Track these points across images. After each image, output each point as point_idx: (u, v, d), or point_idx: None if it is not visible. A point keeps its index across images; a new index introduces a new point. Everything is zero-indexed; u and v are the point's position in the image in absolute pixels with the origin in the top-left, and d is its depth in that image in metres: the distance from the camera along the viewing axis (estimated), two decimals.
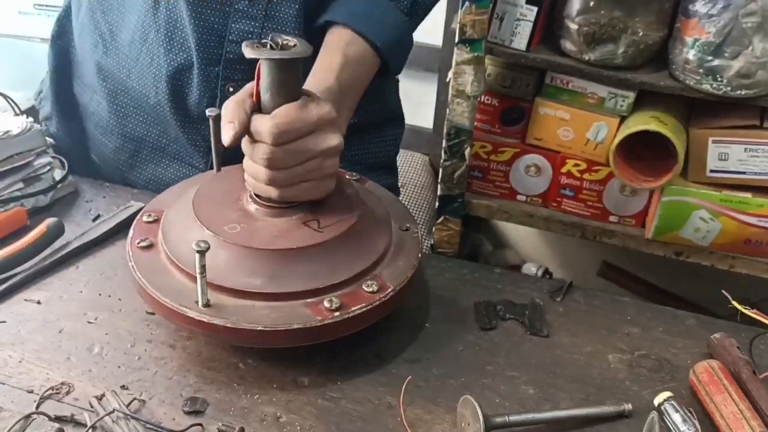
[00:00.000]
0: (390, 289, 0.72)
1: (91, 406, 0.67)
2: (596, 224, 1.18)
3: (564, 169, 1.16)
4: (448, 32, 1.98)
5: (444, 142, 1.15)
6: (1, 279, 0.80)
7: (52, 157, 0.97)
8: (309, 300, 0.70)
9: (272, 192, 0.73)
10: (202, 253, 0.65)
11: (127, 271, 0.74)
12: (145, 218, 0.79)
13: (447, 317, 0.82)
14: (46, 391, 0.68)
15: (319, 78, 0.81)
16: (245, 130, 0.71)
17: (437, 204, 1.21)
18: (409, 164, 2.21)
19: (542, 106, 1.13)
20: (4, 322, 0.76)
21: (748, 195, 1.06)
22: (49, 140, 1.00)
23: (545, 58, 1.09)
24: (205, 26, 0.86)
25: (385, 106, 1.05)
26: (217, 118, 0.75)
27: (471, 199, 1.22)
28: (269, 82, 0.70)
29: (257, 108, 0.72)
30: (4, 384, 0.69)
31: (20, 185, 0.93)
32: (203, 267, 0.66)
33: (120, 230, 0.90)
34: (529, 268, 1.63)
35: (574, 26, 1.05)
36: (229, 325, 0.67)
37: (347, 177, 0.85)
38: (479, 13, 1.03)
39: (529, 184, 1.19)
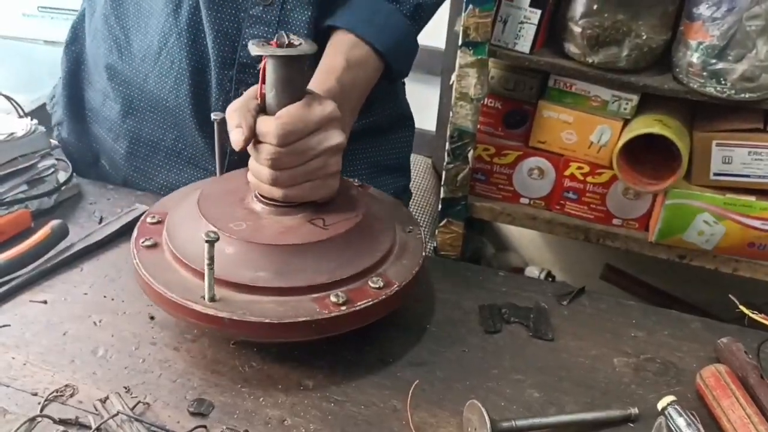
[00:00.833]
0: (395, 285, 0.73)
1: (96, 409, 0.67)
2: (599, 227, 1.18)
3: (567, 172, 1.16)
4: (451, 35, 1.98)
5: (447, 144, 1.15)
6: (6, 281, 0.80)
7: (57, 159, 0.97)
8: (315, 295, 0.70)
9: (276, 192, 0.73)
10: (211, 243, 0.65)
11: (132, 273, 0.74)
12: (149, 220, 0.79)
13: (451, 320, 0.82)
14: (51, 393, 0.68)
15: (320, 80, 0.81)
16: (254, 132, 0.71)
17: (440, 207, 1.21)
18: (412, 167, 2.20)
19: (545, 109, 1.13)
20: (8, 325, 0.76)
21: (752, 198, 1.06)
22: (54, 142, 1.00)
23: (549, 60, 1.09)
24: (220, 30, 0.87)
25: (397, 109, 1.06)
26: (222, 122, 0.75)
27: (474, 201, 1.22)
28: (274, 79, 0.70)
29: (262, 108, 0.72)
30: (8, 386, 0.69)
31: (24, 187, 0.93)
32: (212, 258, 0.66)
33: (124, 233, 0.90)
34: (532, 271, 1.64)
35: (577, 29, 1.05)
36: (235, 318, 0.67)
37: (350, 181, 0.85)
38: (483, 16, 1.03)
39: (532, 186, 1.19)
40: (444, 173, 1.18)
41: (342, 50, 0.85)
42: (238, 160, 0.84)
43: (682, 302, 1.51)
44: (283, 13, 0.87)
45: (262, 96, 0.72)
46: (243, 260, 0.70)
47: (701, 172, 1.07)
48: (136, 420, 0.65)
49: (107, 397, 0.68)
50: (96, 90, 1.02)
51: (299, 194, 0.74)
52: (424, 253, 0.78)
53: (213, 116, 0.77)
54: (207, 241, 0.65)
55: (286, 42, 0.70)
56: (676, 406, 0.68)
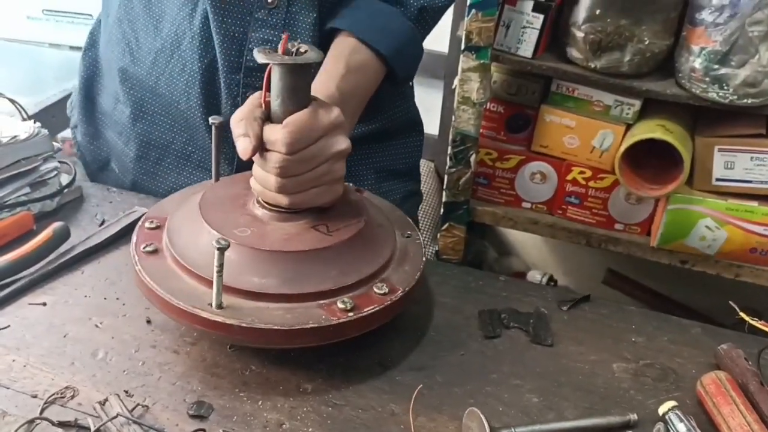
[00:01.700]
0: (400, 291, 0.73)
1: (95, 411, 0.67)
2: (601, 232, 1.18)
3: (569, 177, 1.16)
4: (454, 39, 1.98)
5: (449, 148, 1.15)
6: (7, 283, 0.81)
7: (59, 162, 0.98)
8: (322, 301, 0.70)
9: (282, 199, 0.73)
10: (222, 250, 0.65)
11: (132, 276, 0.74)
12: (147, 225, 0.79)
13: (451, 325, 0.82)
14: (50, 395, 0.68)
15: (319, 86, 0.81)
16: (261, 141, 0.71)
17: (442, 211, 1.21)
18: None
19: (548, 114, 1.13)
20: (9, 326, 0.76)
21: (754, 204, 1.06)
22: (56, 145, 1.00)
23: (551, 65, 1.09)
24: (227, 34, 0.87)
25: (407, 113, 1.05)
26: (221, 127, 0.75)
27: (476, 205, 1.22)
28: (280, 87, 0.70)
29: (267, 116, 0.72)
30: (8, 388, 0.69)
31: (27, 190, 0.93)
32: (221, 266, 0.66)
33: (125, 235, 0.90)
34: (534, 276, 1.63)
35: (580, 34, 1.05)
36: (244, 325, 0.67)
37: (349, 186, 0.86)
38: (485, 21, 1.03)
39: (534, 191, 1.19)
40: (446, 177, 1.18)
41: (343, 55, 0.85)
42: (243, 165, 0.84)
43: (683, 307, 1.51)
44: (289, 16, 0.87)
45: (267, 103, 0.72)
46: (249, 267, 0.70)
47: (703, 177, 1.07)
48: (136, 422, 0.65)
49: (107, 400, 0.68)
50: (108, 94, 1.03)
51: (305, 200, 0.74)
52: (424, 258, 0.79)
53: (211, 120, 0.77)
54: (218, 249, 0.65)
55: (294, 50, 0.70)
56: (677, 412, 0.68)
